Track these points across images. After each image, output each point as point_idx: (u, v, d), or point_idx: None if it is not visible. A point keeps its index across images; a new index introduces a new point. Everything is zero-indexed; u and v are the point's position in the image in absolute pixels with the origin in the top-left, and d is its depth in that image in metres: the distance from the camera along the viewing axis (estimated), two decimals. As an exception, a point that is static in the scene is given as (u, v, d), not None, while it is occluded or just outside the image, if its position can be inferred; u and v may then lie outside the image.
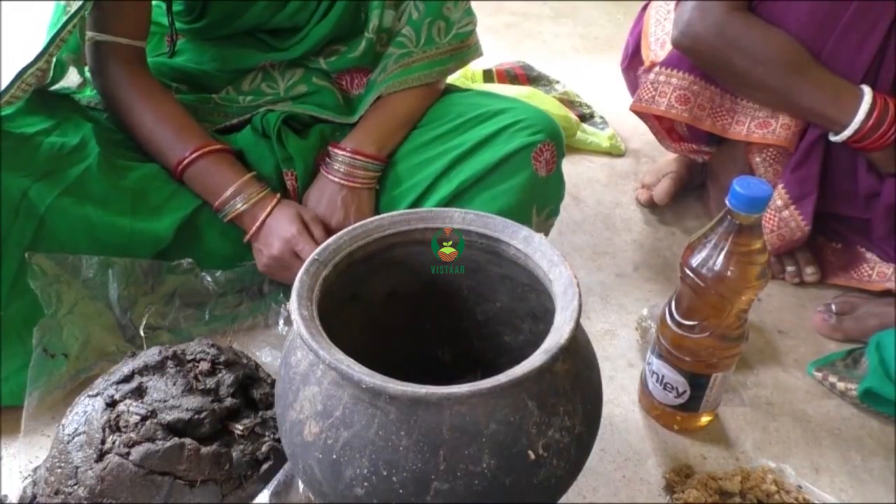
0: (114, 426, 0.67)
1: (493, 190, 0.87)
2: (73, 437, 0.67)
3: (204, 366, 0.73)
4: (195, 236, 0.90)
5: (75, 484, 0.65)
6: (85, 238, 0.81)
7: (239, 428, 0.70)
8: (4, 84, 0.79)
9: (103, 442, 0.65)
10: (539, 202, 0.90)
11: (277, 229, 0.86)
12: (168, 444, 0.65)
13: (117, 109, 0.88)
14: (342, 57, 0.94)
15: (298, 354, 0.57)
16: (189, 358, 0.74)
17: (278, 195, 0.89)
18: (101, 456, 0.65)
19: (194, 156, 0.86)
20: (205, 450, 0.66)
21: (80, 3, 0.75)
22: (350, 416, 0.52)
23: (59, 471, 0.66)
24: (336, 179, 0.90)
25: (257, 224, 0.87)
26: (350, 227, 0.65)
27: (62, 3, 0.77)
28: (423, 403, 0.50)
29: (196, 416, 0.68)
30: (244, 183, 0.87)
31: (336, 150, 0.91)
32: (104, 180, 0.82)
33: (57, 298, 0.80)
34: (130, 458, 0.65)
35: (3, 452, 0.78)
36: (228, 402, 0.71)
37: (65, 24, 0.74)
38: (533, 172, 0.87)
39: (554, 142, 0.89)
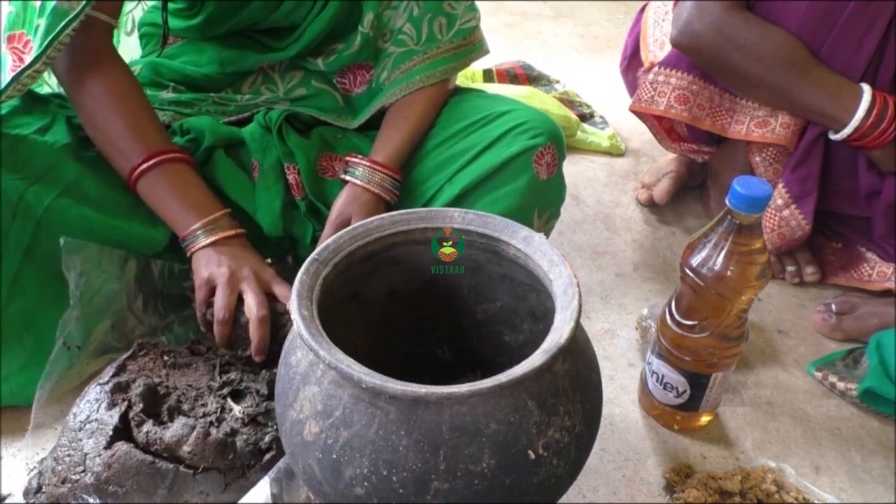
0: (124, 409, 0.68)
1: (494, 193, 0.87)
2: (85, 425, 0.67)
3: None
4: None
5: (83, 471, 0.65)
6: (85, 236, 0.81)
7: (239, 410, 0.70)
8: (4, 81, 0.79)
9: (114, 428, 0.66)
10: (540, 205, 0.90)
11: (236, 254, 0.80)
12: (178, 423, 0.67)
13: (76, 93, 0.82)
14: (339, 55, 0.94)
15: (298, 354, 0.57)
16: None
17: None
18: (109, 443, 0.66)
19: (149, 164, 0.80)
20: (212, 436, 0.67)
21: (82, 4, 0.74)
22: (350, 416, 0.52)
23: (67, 458, 0.66)
24: (377, 191, 0.88)
25: (214, 239, 0.80)
26: (350, 227, 0.65)
27: (52, 2, 0.75)
28: (422, 403, 0.50)
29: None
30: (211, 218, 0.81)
31: (384, 169, 0.89)
32: (101, 183, 0.82)
33: (84, 288, 0.80)
34: (138, 436, 0.66)
35: (3, 452, 0.78)
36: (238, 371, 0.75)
37: (64, 27, 0.73)
38: (534, 175, 0.87)
39: (555, 145, 0.89)
